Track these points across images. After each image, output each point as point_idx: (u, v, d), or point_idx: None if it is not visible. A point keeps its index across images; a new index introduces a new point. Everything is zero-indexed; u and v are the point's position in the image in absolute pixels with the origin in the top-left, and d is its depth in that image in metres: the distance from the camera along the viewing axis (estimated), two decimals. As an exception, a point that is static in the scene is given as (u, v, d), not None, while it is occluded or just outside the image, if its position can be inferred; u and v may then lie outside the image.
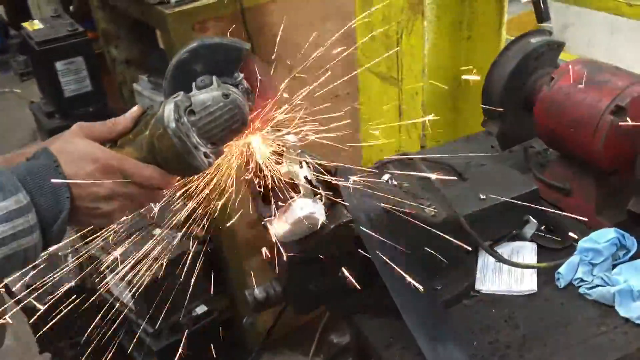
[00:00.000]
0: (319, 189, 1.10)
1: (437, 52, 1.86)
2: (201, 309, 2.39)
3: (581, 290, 1.24)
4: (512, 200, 1.33)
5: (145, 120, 0.96)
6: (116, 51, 2.80)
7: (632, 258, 1.27)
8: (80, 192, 0.87)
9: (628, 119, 1.29)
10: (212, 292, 2.71)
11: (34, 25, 2.77)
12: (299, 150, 1.11)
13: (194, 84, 0.99)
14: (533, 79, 1.55)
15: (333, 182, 1.15)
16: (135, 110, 0.99)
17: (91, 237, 2.35)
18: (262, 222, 1.09)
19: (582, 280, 1.25)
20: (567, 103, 1.39)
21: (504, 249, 1.36)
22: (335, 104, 2.70)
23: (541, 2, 1.81)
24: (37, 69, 2.84)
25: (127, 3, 2.32)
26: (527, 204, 1.36)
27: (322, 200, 1.09)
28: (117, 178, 0.91)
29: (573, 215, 1.44)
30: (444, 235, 1.27)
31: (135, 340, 2.41)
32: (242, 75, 1.04)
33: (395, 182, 1.57)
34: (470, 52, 1.93)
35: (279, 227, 1.07)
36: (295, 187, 1.06)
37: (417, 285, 1.14)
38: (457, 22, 1.85)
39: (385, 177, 1.63)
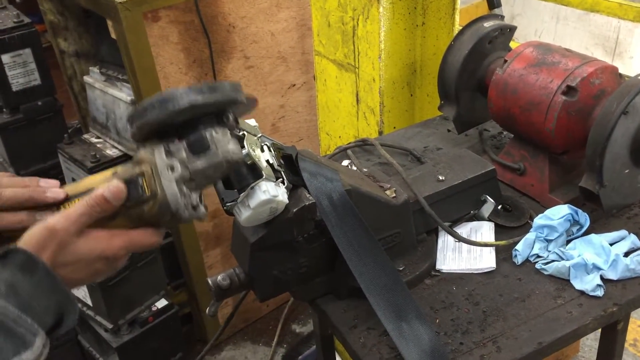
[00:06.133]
0: (281, 173, 1.09)
1: (392, 38, 1.87)
2: (161, 303, 2.35)
3: (537, 265, 1.28)
4: (471, 177, 1.36)
5: (140, 200, 0.87)
6: (65, 43, 2.72)
7: (585, 233, 1.31)
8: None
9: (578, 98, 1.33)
10: (171, 286, 2.69)
11: (-23, 17, 2.67)
12: (260, 134, 1.10)
13: (185, 143, 0.88)
14: (486, 63, 1.58)
15: (294, 165, 1.15)
16: (119, 191, 0.87)
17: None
18: (224, 207, 1.07)
19: (538, 256, 1.29)
20: (520, 85, 1.42)
21: (463, 229, 1.39)
22: (292, 94, 2.72)
23: (492, -12, 1.85)
24: (-18, 63, 2.73)
25: (75, -7, 2.26)
26: (484, 184, 1.39)
27: (284, 184, 1.08)
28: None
29: (528, 194, 1.49)
30: (404, 216, 1.29)
31: (93, 337, 2.36)
32: (232, 116, 0.94)
33: (355, 168, 1.58)
34: (425, 38, 1.95)
35: (241, 211, 1.06)
36: (257, 171, 1.05)
37: (380, 265, 1.15)
38: (411, 8, 1.86)
39: (345, 162, 1.65)
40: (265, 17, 2.39)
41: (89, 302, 2.21)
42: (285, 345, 2.85)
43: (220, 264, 2.67)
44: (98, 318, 2.22)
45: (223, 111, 0.92)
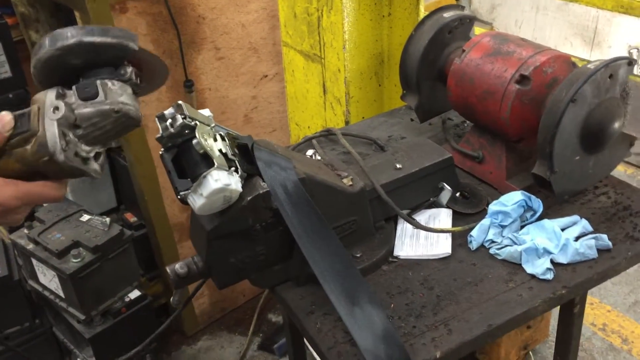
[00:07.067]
0: (234, 162, 1.10)
1: (358, 29, 1.88)
2: (134, 294, 2.36)
3: (491, 250, 1.30)
4: (428, 165, 1.38)
5: (23, 137, 0.86)
6: (37, 35, 2.71)
7: (539, 218, 1.34)
8: None
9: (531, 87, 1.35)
10: (147, 278, 2.70)
11: (-54, 10, 2.65)
12: (213, 124, 1.12)
13: (75, 87, 0.89)
14: (446, 53, 1.61)
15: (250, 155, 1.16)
16: (7, 122, 0.87)
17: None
18: (178, 196, 1.09)
19: (492, 241, 1.31)
20: (477, 74, 1.45)
21: (422, 216, 1.41)
22: (264, 85, 2.72)
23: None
24: (-48, 56, 2.71)
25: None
26: (442, 172, 1.42)
27: (237, 173, 1.10)
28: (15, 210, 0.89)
29: (487, 181, 1.51)
30: (360, 204, 1.31)
31: (67, 328, 2.37)
32: (130, 70, 0.93)
33: (320, 158, 1.60)
34: (392, 28, 1.97)
35: (195, 200, 1.08)
36: (209, 160, 1.06)
37: (333, 252, 1.17)
38: (376, -2, 1.88)
39: (309, 152, 1.66)
40: (236, 8, 2.40)
41: (61, 294, 2.22)
42: (261, 335, 2.88)
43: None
44: (71, 309, 2.22)
45: (120, 63, 0.92)
